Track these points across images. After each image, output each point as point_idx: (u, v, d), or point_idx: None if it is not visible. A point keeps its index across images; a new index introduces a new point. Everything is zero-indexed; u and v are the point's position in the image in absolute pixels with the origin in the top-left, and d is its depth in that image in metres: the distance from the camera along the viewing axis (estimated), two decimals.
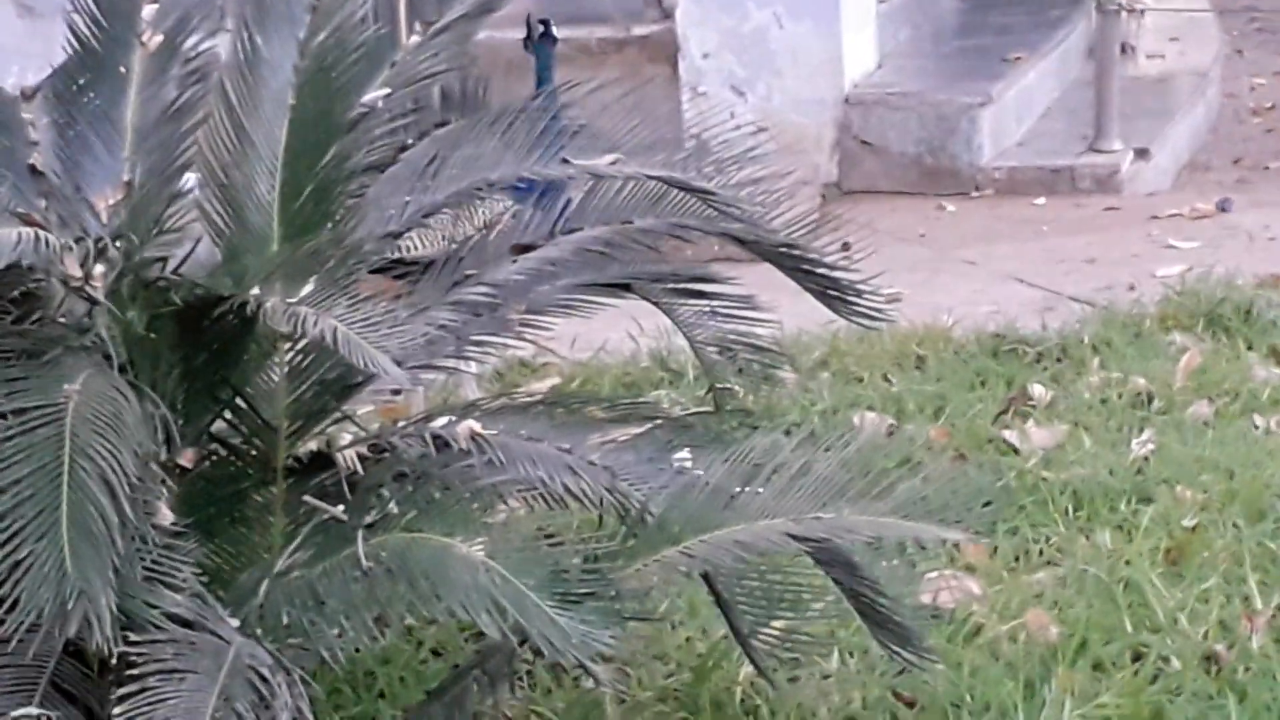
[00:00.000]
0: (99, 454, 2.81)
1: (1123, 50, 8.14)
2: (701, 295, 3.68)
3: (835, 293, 3.52)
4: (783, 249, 3.46)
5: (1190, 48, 9.64)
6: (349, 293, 2.96)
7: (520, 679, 3.63)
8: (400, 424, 3.34)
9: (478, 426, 3.21)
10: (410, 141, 3.55)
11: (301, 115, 3.29)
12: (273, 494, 3.25)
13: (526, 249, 3.47)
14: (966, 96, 7.90)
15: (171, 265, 3.12)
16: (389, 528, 3.05)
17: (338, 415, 3.36)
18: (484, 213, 3.68)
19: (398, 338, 2.89)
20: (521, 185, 3.50)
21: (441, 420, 3.24)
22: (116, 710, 2.75)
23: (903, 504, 3.18)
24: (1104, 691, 3.63)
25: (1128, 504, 4.42)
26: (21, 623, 2.69)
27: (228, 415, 3.28)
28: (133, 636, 2.81)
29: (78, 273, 3.04)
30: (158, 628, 2.85)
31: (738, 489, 3.16)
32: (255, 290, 2.96)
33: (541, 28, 5.37)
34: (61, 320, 3.10)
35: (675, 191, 3.47)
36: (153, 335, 3.11)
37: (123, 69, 3.39)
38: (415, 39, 3.58)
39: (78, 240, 3.04)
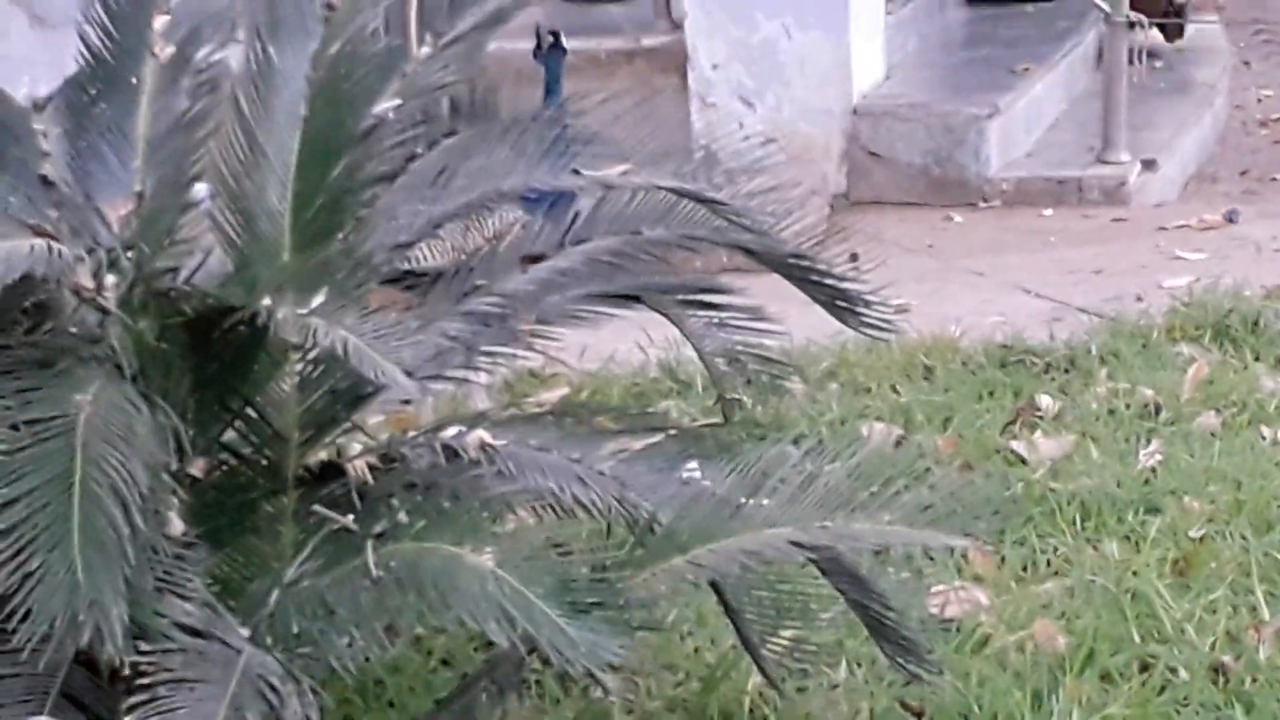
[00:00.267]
0: (111, 464, 2.82)
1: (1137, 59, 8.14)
2: (710, 306, 3.68)
3: (844, 303, 3.53)
4: (791, 260, 3.47)
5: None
6: (360, 303, 2.97)
7: (529, 688, 3.63)
8: (410, 434, 3.35)
9: (487, 437, 3.22)
10: (420, 152, 3.55)
11: (313, 126, 3.30)
12: (283, 504, 3.25)
13: (536, 259, 3.48)
14: (974, 108, 7.91)
15: (183, 276, 3.12)
16: (399, 537, 3.06)
17: (348, 425, 3.36)
18: (494, 223, 3.69)
19: (408, 348, 2.89)
20: (531, 196, 3.51)
21: (451, 430, 3.25)
22: (127, 719, 2.76)
23: (910, 514, 3.19)
24: (1112, 702, 3.63)
25: (1135, 515, 4.42)
26: (34, 633, 2.70)
27: (238, 425, 3.28)
28: (143, 646, 2.82)
29: (89, 283, 3.04)
30: (168, 637, 2.86)
31: (745, 499, 3.16)
32: (266, 301, 2.96)
33: (551, 38, 5.40)
34: (73, 331, 3.11)
35: (684, 202, 3.48)
36: (164, 345, 3.12)
37: (134, 79, 3.40)
38: (426, 50, 3.59)
39: (89, 251, 3.05)
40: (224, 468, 3.29)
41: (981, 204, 7.80)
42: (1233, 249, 6.83)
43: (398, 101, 3.43)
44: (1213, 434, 4.91)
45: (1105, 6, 8.03)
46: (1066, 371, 5.42)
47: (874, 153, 7.88)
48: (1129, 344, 5.57)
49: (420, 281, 3.48)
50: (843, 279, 3.50)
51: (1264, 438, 4.88)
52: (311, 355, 3.26)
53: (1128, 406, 5.10)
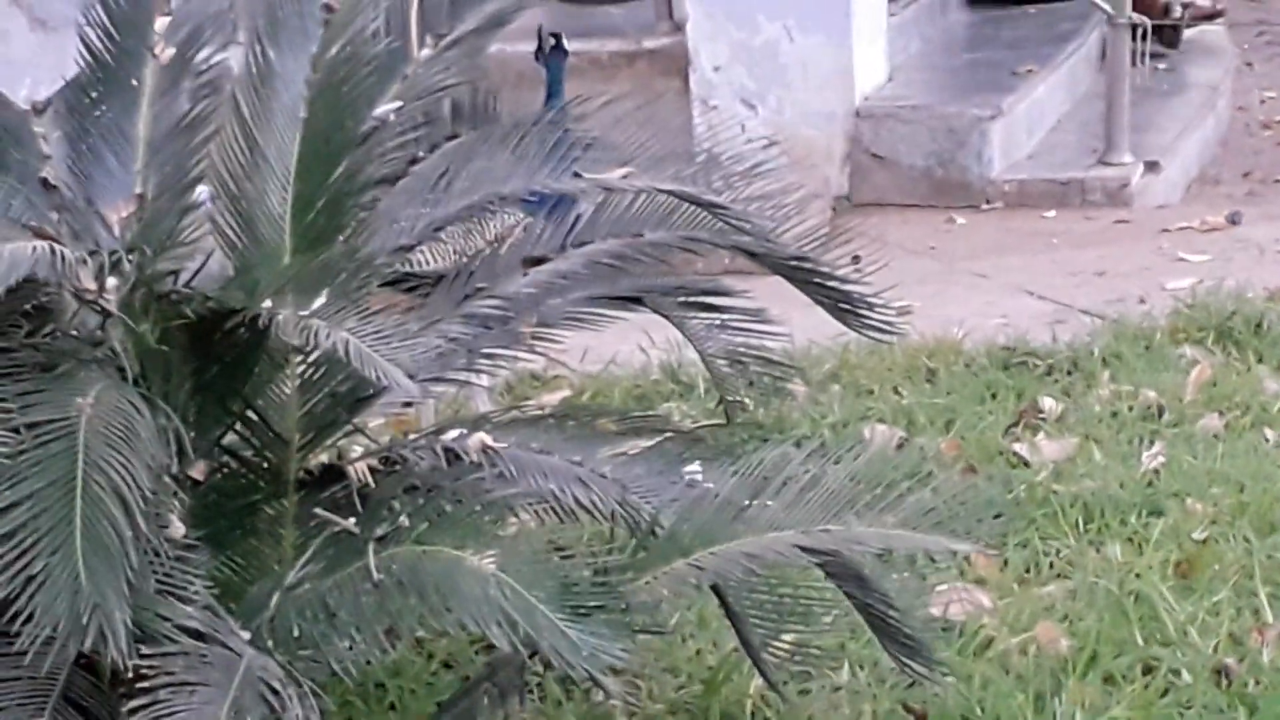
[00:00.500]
0: (112, 467, 2.82)
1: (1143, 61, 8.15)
2: (712, 308, 3.68)
3: (846, 306, 3.53)
4: (793, 262, 3.47)
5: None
6: (361, 306, 2.97)
7: (530, 691, 3.63)
8: (411, 437, 3.35)
9: (489, 439, 3.22)
10: (421, 154, 3.55)
11: (314, 128, 3.30)
12: (284, 506, 3.25)
13: (538, 262, 3.48)
14: (977, 109, 7.90)
15: (184, 278, 3.12)
16: (400, 540, 3.05)
17: (349, 428, 3.36)
18: (495, 226, 3.69)
19: (409, 350, 2.89)
20: (533, 198, 3.51)
21: (453, 433, 3.25)
22: None
23: (913, 516, 3.18)
24: (1115, 704, 3.63)
25: (1138, 517, 4.42)
26: (36, 636, 2.70)
27: (239, 428, 3.28)
28: (144, 649, 2.81)
29: (91, 286, 3.04)
30: (169, 640, 2.86)
31: (747, 501, 3.16)
32: (267, 303, 2.96)
33: (553, 41, 5.39)
34: (74, 333, 3.11)
35: (686, 205, 3.47)
36: (165, 348, 3.12)
37: (135, 82, 3.40)
38: (427, 52, 3.59)
39: (91, 253, 3.05)
40: (225, 470, 3.29)
41: (984, 206, 7.79)
42: (1236, 251, 6.82)
43: (398, 104, 3.43)
44: (1216, 436, 4.91)
45: (1107, 8, 8.02)
46: (1069, 373, 5.42)
47: (876, 155, 7.88)
48: (1132, 346, 5.57)
49: (421, 284, 3.48)
50: (845, 281, 3.50)
51: (1267, 440, 4.88)
52: (312, 357, 3.26)
53: (1130, 409, 5.09)
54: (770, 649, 3.46)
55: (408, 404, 3.71)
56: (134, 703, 2.77)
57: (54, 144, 3.34)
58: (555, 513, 3.24)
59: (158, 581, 2.88)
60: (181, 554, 2.94)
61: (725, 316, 3.68)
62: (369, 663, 3.06)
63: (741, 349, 3.70)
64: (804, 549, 3.09)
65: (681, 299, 3.66)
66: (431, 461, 3.21)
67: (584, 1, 7.97)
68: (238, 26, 3.45)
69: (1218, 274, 6.19)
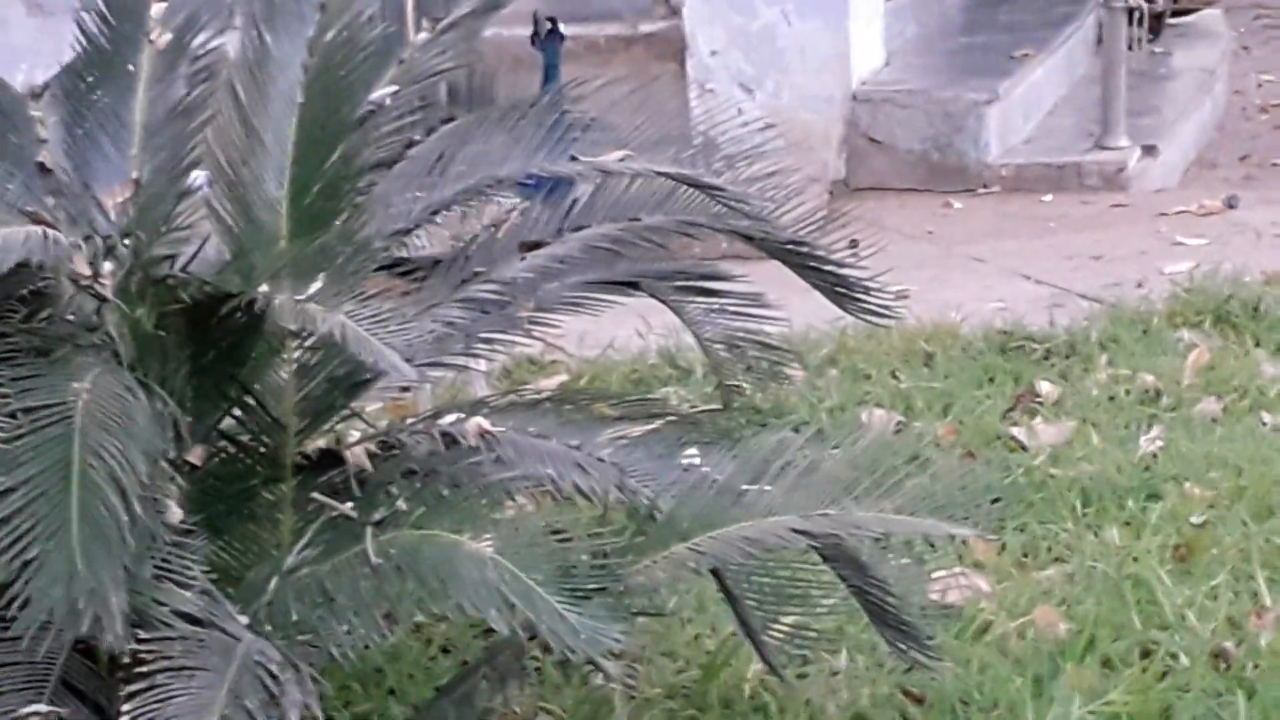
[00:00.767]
0: (109, 452, 2.81)
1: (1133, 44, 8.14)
2: (710, 293, 3.68)
3: (843, 290, 3.52)
4: (791, 246, 3.47)
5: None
6: (357, 290, 2.96)
7: (529, 675, 3.63)
8: (409, 421, 3.35)
9: (486, 424, 3.21)
10: (418, 138, 3.55)
11: (310, 113, 3.29)
12: (282, 491, 3.25)
13: (534, 246, 3.47)
14: (974, 94, 7.89)
15: (180, 263, 3.12)
16: (398, 524, 3.05)
17: (346, 412, 3.36)
18: (492, 210, 3.68)
19: (406, 335, 2.89)
20: (529, 182, 3.51)
21: (450, 417, 3.25)
22: (125, 707, 2.76)
23: (910, 501, 3.18)
24: (1112, 688, 3.63)
25: (1136, 501, 4.42)
26: (33, 621, 2.70)
27: (236, 413, 3.28)
28: (142, 634, 2.81)
29: (86, 271, 3.04)
30: (167, 625, 2.86)
31: (746, 486, 3.16)
32: (264, 287, 2.96)
33: (549, 25, 5.38)
34: (70, 318, 3.10)
35: (683, 189, 3.47)
36: (161, 333, 3.11)
37: (131, 67, 3.39)
38: (423, 36, 3.58)
39: (86, 238, 3.05)
40: (222, 455, 3.28)
41: (981, 190, 7.78)
42: (1233, 234, 6.82)
43: (395, 88, 3.43)
44: (1213, 420, 4.91)
45: None
46: (1067, 357, 5.42)
47: (873, 139, 7.87)
48: (1129, 330, 5.57)
49: (418, 269, 3.47)
50: (842, 265, 3.49)
51: (1265, 423, 4.88)
52: (309, 342, 3.26)
53: (1128, 392, 5.09)
54: (769, 633, 3.46)
55: (405, 388, 3.70)
56: (132, 687, 2.77)
57: (51, 129, 3.34)
58: (553, 497, 3.23)
59: (155, 566, 2.88)
60: (179, 539, 2.94)
61: (723, 301, 3.68)
62: (367, 647, 3.05)
63: (739, 333, 3.69)
64: (802, 533, 3.09)
65: (679, 283, 3.66)
66: (429, 446, 3.20)
67: None
68: (234, 11, 3.45)
69: (1215, 258, 6.19)
